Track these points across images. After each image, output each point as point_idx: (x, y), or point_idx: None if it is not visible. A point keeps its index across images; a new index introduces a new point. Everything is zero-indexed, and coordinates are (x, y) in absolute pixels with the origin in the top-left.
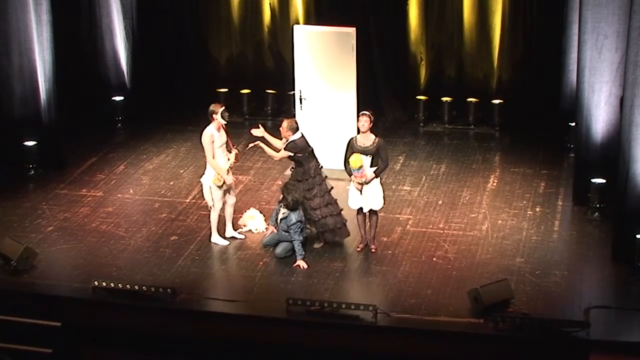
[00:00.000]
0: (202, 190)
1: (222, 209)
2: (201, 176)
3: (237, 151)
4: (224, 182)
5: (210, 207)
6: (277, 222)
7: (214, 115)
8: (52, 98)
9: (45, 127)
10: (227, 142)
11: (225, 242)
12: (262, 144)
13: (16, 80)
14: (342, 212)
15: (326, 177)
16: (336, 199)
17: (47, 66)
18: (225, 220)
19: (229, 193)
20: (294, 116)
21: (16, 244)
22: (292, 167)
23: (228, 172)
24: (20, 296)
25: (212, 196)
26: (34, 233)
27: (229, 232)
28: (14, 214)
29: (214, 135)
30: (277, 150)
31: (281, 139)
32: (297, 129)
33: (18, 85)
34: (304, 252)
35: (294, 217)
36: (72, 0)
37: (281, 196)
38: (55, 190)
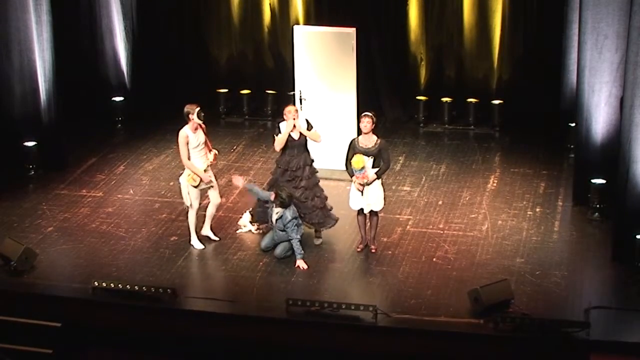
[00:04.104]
0: (180, 189)
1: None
2: (179, 175)
3: (216, 152)
4: (200, 182)
5: (187, 207)
6: (273, 223)
7: (190, 116)
8: (52, 98)
9: (45, 127)
10: (206, 143)
11: (201, 246)
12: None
13: (16, 80)
14: (333, 208)
15: (316, 172)
16: (323, 190)
17: (47, 66)
18: (205, 220)
19: (211, 192)
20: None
21: (16, 245)
22: (282, 156)
23: (206, 171)
24: (20, 296)
25: (190, 195)
26: (34, 233)
27: (205, 230)
28: (14, 214)
29: (188, 137)
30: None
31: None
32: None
33: (18, 85)
34: (302, 252)
35: (289, 214)
36: (72, 0)
37: (272, 196)
38: (55, 190)
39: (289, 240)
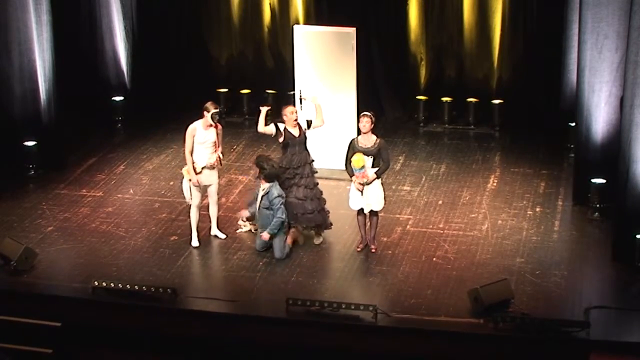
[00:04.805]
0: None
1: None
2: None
3: (220, 155)
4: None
5: (187, 201)
6: (258, 203)
7: (205, 112)
8: (52, 98)
9: (45, 127)
10: (215, 143)
11: (196, 244)
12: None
13: (16, 80)
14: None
15: (316, 172)
16: (322, 192)
17: (47, 66)
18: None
19: (210, 191)
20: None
21: (16, 244)
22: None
23: (205, 168)
24: (20, 296)
25: (191, 190)
26: (34, 233)
27: (213, 230)
28: (14, 214)
29: (196, 130)
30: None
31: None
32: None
33: (18, 85)
34: (276, 232)
35: (275, 191)
36: (72, 0)
37: (257, 171)
38: (55, 190)
39: (267, 229)
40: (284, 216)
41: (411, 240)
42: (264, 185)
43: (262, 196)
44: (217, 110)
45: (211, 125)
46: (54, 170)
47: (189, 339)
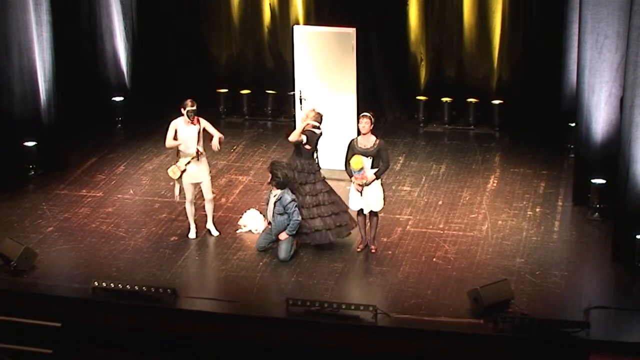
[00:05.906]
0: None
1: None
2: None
3: (198, 148)
4: (181, 174)
5: (176, 198)
6: (271, 208)
7: (182, 109)
8: (52, 98)
9: (45, 127)
10: (196, 139)
11: (193, 236)
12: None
13: (16, 80)
14: (338, 216)
15: (324, 178)
16: (334, 201)
17: (47, 66)
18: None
19: (203, 188)
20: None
21: (16, 245)
22: (292, 156)
23: (185, 168)
24: (20, 296)
25: (181, 187)
26: (34, 233)
27: (208, 225)
28: (14, 214)
29: (177, 125)
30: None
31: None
32: (321, 122)
33: (18, 85)
34: (295, 233)
35: (288, 196)
36: (72, 0)
37: (269, 177)
38: (55, 190)
39: (286, 230)
40: (300, 218)
41: (411, 241)
42: (276, 192)
43: (275, 202)
44: (193, 108)
45: (191, 123)
46: (54, 171)
47: (188, 339)
